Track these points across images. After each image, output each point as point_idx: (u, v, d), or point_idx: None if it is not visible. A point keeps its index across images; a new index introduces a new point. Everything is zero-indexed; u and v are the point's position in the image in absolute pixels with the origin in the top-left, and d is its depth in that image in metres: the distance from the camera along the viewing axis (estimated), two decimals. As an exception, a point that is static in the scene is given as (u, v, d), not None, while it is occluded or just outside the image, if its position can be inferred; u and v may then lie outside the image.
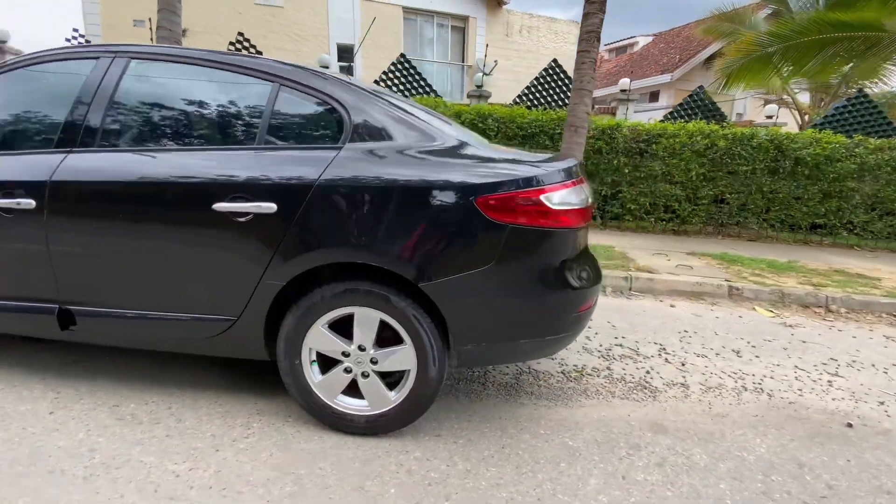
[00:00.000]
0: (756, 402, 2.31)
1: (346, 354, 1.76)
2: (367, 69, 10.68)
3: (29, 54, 1.94)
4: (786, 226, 6.91)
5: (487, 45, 11.10)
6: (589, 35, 5.23)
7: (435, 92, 8.08)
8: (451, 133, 1.85)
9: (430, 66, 11.76)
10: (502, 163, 1.73)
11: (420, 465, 1.69)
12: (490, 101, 8.09)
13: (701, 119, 7.73)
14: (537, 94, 8.55)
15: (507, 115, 6.77)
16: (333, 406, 1.81)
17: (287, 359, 1.78)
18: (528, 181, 1.64)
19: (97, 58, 1.87)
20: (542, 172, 1.68)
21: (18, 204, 1.72)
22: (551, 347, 1.87)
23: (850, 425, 2.14)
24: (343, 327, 1.75)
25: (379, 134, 1.74)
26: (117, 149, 1.79)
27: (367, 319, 1.72)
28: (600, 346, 2.86)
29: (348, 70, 10.26)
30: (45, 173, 1.74)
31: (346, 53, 10.33)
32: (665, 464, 1.79)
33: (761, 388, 2.45)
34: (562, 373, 2.48)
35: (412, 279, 1.63)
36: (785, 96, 11.89)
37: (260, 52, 8.09)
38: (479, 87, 8.05)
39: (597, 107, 10.36)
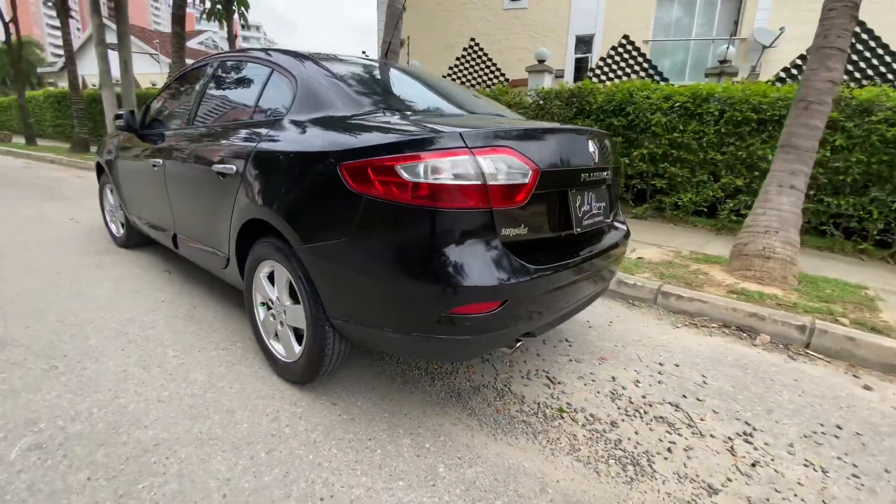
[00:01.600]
0: (826, 573, 1.26)
1: (272, 302, 2.00)
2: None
3: (187, 66, 2.94)
4: None
5: (745, 3, 8.47)
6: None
7: (661, 74, 6.91)
8: (402, 103, 1.83)
9: (684, 46, 9.90)
10: (393, 129, 1.56)
11: (288, 419, 1.78)
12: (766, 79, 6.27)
13: None
14: (822, 65, 6.10)
15: (738, 96, 5.18)
16: (267, 344, 2.08)
17: (246, 296, 2.16)
18: (388, 147, 1.45)
19: (208, 64, 2.67)
20: (407, 139, 1.44)
21: (156, 163, 2.70)
22: (425, 347, 1.58)
23: None
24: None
25: (308, 106, 1.86)
26: (191, 126, 2.54)
27: (280, 274, 1.90)
28: (642, 397, 2.07)
29: (584, 61, 9.85)
30: (163, 142, 2.65)
31: (583, 44, 9.92)
32: (518, 551, 1.28)
33: (876, 562, 1.30)
34: (538, 404, 1.97)
35: (289, 239, 1.71)
36: None
37: (486, 54, 8.76)
38: (723, 62, 6.42)
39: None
